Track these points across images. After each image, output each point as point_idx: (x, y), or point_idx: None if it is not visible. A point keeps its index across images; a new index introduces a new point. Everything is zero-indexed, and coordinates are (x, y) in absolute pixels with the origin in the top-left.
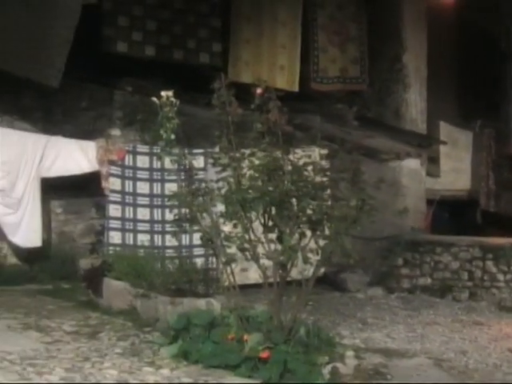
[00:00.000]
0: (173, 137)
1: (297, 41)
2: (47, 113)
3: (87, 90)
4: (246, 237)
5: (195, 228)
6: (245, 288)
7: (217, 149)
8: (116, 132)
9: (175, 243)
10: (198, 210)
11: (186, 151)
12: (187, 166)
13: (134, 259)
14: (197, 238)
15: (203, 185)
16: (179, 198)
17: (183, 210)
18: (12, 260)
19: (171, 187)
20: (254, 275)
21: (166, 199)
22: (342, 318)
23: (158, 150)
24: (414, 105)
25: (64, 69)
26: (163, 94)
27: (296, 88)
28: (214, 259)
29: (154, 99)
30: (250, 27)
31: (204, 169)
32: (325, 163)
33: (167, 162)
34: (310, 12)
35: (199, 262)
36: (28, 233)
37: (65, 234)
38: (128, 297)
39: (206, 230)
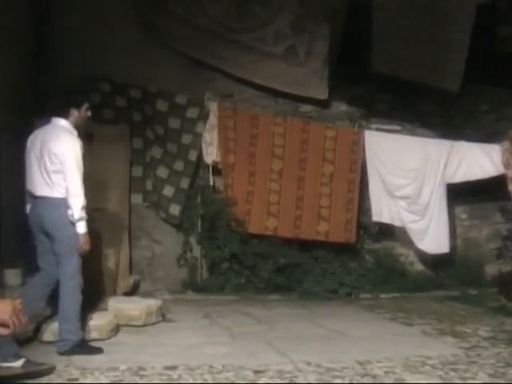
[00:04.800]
0: None
1: None
2: (446, 118)
3: (487, 92)
4: None
5: None
6: None
7: None
8: None
9: None
10: None
11: None
12: None
13: None
14: None
15: None
16: None
17: None
18: (418, 267)
19: None
20: None
21: None
22: None
23: None
24: None
25: (463, 72)
26: None
27: None
28: None
29: None
30: None
31: None
32: None
33: None
34: None
35: None
36: (435, 239)
37: (470, 240)
38: None
39: None
